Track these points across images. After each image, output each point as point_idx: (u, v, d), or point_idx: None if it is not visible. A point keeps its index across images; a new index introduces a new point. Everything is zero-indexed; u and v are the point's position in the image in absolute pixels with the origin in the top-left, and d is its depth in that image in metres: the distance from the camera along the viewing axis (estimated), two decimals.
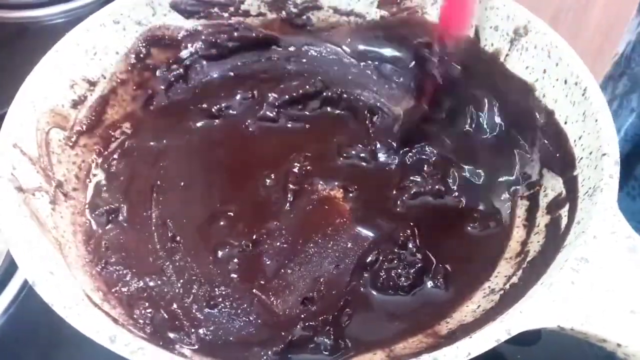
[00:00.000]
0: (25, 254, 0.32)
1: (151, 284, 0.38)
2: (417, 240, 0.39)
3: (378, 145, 0.46)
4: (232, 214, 0.42)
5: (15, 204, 0.35)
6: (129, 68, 0.47)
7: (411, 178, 0.44)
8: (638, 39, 0.52)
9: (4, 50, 0.58)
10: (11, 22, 0.61)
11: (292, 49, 0.52)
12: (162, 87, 0.49)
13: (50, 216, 0.37)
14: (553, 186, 0.40)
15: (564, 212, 0.37)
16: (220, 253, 0.40)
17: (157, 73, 0.49)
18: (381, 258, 0.39)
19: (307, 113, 0.49)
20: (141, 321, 0.36)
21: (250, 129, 0.48)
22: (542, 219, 0.39)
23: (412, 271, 0.38)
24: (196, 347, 0.35)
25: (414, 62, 0.49)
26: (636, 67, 0.52)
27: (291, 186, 0.43)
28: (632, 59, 0.53)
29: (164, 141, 0.46)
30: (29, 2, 0.62)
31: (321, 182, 0.44)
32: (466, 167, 0.45)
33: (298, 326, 0.35)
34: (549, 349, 0.38)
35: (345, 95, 0.49)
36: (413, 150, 0.45)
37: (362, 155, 0.46)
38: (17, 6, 0.62)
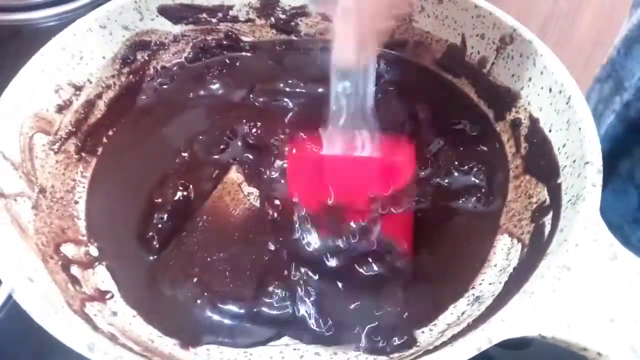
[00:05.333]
0: (4, 261, 0.31)
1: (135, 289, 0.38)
2: None
3: None
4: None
5: None
6: (116, 73, 0.47)
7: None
8: (623, 44, 0.53)
9: None
10: (4, 25, 0.61)
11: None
12: (149, 92, 0.49)
13: (32, 222, 0.37)
14: (538, 193, 0.40)
15: (548, 219, 0.37)
16: None
17: (144, 78, 0.49)
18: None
19: None
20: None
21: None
22: (526, 226, 0.39)
23: None
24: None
25: None
26: (620, 70, 0.53)
27: None
28: (616, 62, 0.54)
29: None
30: (22, 5, 0.62)
31: None
32: None
33: None
34: (540, 353, 0.38)
35: None
36: None
37: None
38: (10, 9, 0.62)
